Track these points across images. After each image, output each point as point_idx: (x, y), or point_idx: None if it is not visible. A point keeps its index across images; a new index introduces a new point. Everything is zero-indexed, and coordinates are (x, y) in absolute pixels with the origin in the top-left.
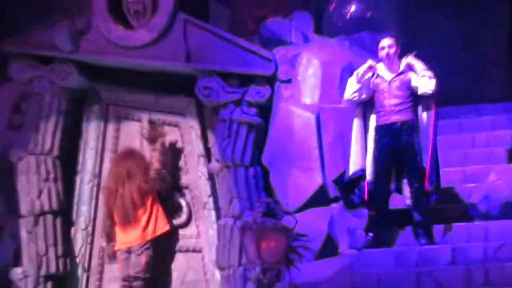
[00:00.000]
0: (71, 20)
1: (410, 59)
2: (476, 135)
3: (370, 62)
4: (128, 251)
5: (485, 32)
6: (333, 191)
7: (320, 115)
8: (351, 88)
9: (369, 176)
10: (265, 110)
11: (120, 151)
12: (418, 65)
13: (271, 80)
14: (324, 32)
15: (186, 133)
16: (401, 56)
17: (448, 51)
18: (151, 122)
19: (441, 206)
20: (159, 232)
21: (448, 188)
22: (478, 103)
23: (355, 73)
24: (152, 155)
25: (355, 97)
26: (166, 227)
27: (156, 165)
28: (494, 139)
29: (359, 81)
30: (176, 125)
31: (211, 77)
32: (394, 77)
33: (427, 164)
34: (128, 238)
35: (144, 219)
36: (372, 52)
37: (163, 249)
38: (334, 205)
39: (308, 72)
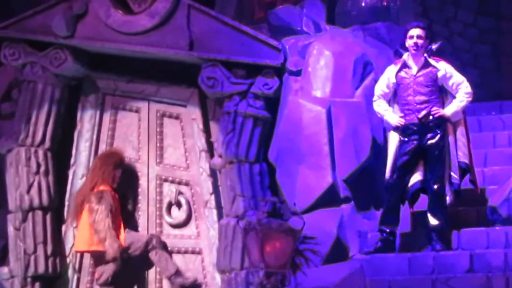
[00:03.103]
0: (67, 4)
1: (446, 65)
2: (497, 134)
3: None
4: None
5: (504, 25)
6: (343, 191)
7: (332, 109)
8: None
9: (388, 173)
10: (273, 103)
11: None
12: (456, 76)
13: (279, 71)
14: (337, 21)
15: (188, 126)
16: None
17: (465, 44)
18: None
19: (459, 209)
20: (99, 247)
21: (466, 190)
22: (496, 98)
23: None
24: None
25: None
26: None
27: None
28: None
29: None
30: (177, 117)
31: (215, 66)
32: (418, 71)
33: (466, 158)
34: (77, 240)
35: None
36: (387, 43)
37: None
38: (344, 206)
39: (319, 64)
